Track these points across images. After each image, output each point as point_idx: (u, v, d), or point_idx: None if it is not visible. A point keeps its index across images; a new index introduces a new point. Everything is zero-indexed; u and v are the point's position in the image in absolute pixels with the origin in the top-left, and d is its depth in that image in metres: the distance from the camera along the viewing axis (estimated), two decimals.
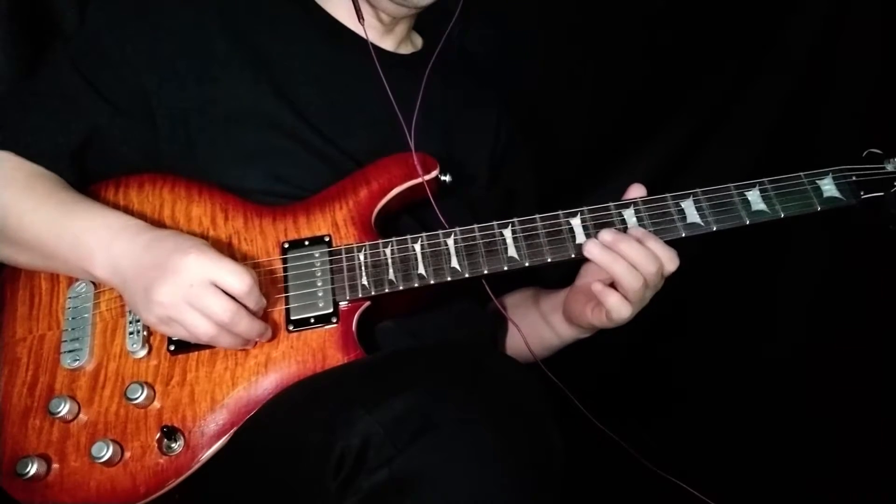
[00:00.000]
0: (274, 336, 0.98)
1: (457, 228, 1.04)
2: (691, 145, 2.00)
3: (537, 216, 1.04)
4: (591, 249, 1.00)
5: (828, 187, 1.06)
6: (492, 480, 0.73)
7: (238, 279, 0.89)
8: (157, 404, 0.95)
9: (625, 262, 0.98)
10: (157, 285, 0.89)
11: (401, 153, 1.12)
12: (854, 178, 1.06)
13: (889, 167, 1.07)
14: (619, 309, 1.00)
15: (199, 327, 0.90)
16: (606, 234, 1.00)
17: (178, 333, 0.93)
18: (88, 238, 0.96)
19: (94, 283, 1.03)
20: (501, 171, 1.33)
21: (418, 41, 1.35)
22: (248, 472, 0.91)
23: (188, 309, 0.89)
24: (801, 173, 1.07)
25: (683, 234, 1.04)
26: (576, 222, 1.04)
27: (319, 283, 1.01)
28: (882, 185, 1.06)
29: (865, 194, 1.06)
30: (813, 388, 1.89)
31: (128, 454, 0.93)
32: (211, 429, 0.93)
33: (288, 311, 0.99)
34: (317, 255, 1.03)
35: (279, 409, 0.93)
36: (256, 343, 0.97)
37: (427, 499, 0.72)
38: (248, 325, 0.92)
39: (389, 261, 1.02)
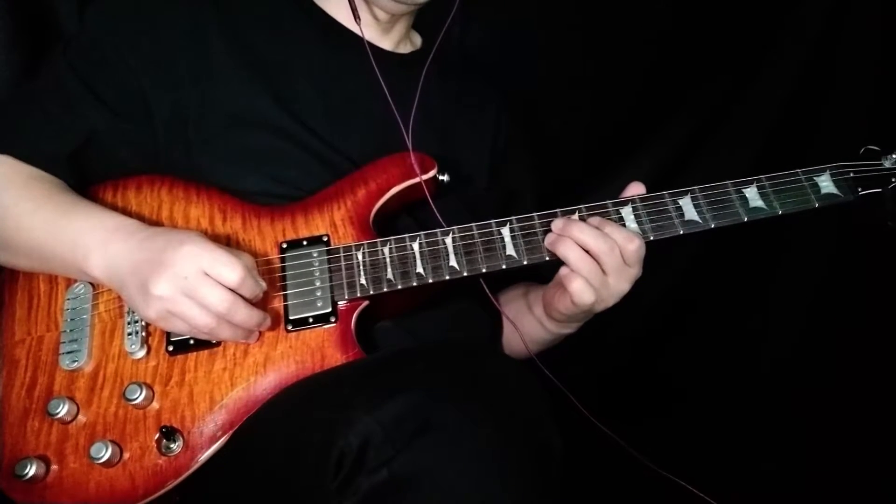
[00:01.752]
0: (272, 336, 0.98)
1: (455, 227, 1.04)
2: (691, 145, 2.00)
3: (535, 214, 1.04)
4: (546, 238, 1.02)
5: (825, 184, 1.06)
6: (491, 480, 0.73)
7: (230, 270, 0.90)
8: (155, 405, 0.95)
9: (576, 246, 0.99)
10: (153, 280, 0.89)
11: (399, 153, 1.12)
12: (851, 175, 1.07)
13: (887, 163, 1.07)
14: (582, 292, 1.00)
15: (197, 319, 0.90)
16: (557, 222, 1.02)
17: (178, 328, 0.93)
18: (85, 239, 0.96)
19: (92, 285, 1.03)
20: (500, 171, 1.33)
21: (417, 40, 1.35)
22: (248, 472, 0.90)
23: (185, 301, 0.89)
24: (799, 170, 1.07)
25: (682, 232, 1.04)
26: None
27: (318, 283, 1.01)
28: (880, 181, 1.06)
29: (863, 191, 1.06)
30: (812, 387, 1.89)
31: (127, 455, 0.93)
32: (210, 429, 0.93)
33: (286, 310, 0.99)
34: (315, 254, 1.03)
35: (278, 409, 0.93)
36: (260, 334, 0.97)
37: (426, 499, 0.72)
38: (245, 315, 0.92)
39: (388, 260, 1.02)
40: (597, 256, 0.99)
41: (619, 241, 0.99)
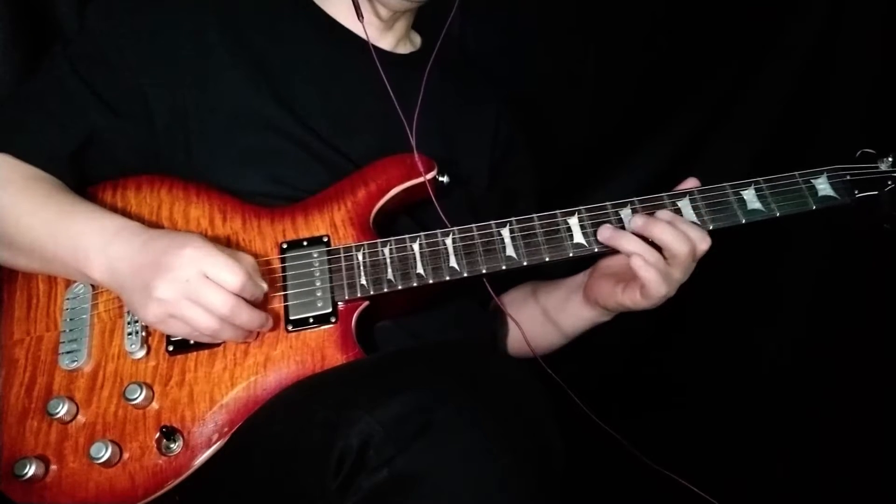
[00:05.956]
0: (273, 336, 0.98)
1: (455, 228, 1.04)
2: (692, 145, 2.01)
3: (535, 216, 1.05)
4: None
5: (822, 186, 1.07)
6: (491, 481, 0.74)
7: (231, 274, 0.90)
8: (155, 405, 0.95)
9: (640, 243, 1.00)
10: (154, 283, 0.89)
11: (399, 154, 1.12)
12: (848, 178, 1.07)
13: (883, 166, 1.08)
14: (658, 285, 1.00)
15: (200, 322, 0.90)
16: (638, 219, 1.02)
17: (178, 331, 0.93)
18: (85, 241, 0.96)
19: (92, 285, 1.02)
20: (501, 171, 1.33)
21: (417, 40, 1.35)
22: (248, 472, 0.91)
23: (188, 304, 0.89)
24: (796, 172, 1.08)
25: None
26: (573, 222, 1.05)
27: (318, 283, 1.01)
28: (876, 184, 1.07)
29: (860, 193, 1.07)
30: (812, 386, 1.90)
31: (126, 455, 0.93)
32: (210, 429, 0.93)
33: (287, 311, 0.99)
34: (315, 255, 1.03)
35: (278, 409, 0.93)
36: (258, 335, 0.97)
37: (427, 499, 0.72)
38: (248, 317, 0.92)
39: (388, 260, 1.02)
40: (673, 255, 1.00)
41: (694, 240, 1.00)
